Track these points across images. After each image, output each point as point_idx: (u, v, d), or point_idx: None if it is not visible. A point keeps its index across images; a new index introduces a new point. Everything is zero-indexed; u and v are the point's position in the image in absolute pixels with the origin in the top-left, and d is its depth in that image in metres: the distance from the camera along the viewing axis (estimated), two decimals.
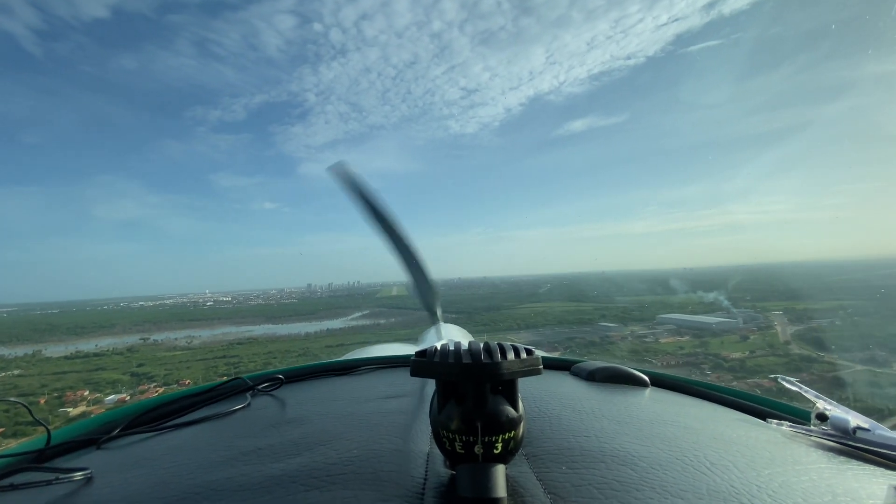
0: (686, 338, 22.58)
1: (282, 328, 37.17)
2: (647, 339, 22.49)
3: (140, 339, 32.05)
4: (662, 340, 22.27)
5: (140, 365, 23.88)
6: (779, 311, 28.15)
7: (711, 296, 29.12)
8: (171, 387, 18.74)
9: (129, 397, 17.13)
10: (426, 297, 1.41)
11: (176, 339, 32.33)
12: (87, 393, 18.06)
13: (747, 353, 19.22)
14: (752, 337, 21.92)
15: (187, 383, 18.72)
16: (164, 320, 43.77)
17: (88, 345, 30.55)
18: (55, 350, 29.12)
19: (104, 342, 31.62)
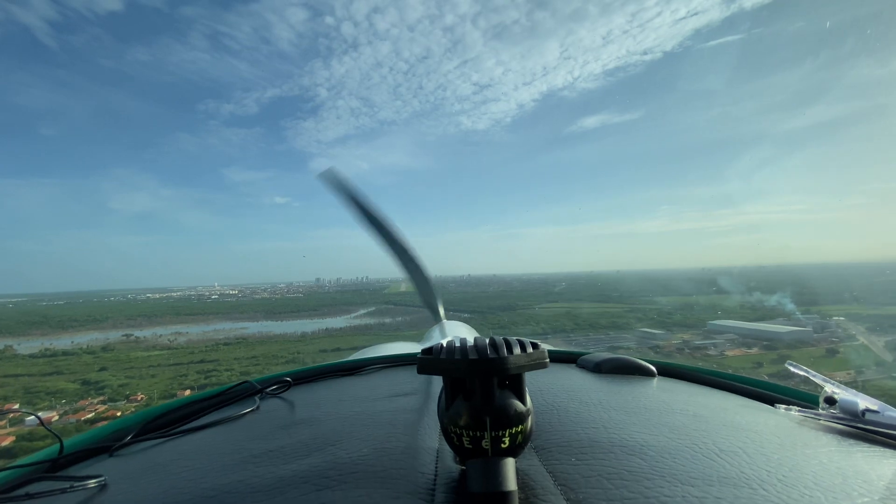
0: (755, 350, 18.48)
1: (279, 326, 34.20)
2: (709, 352, 18.39)
3: (123, 336, 29.30)
4: (728, 353, 18.21)
5: (101, 370, 20.85)
6: (838, 316, 24.37)
7: (774, 298, 24.76)
8: (118, 403, 15.60)
9: (57, 416, 14.01)
10: (426, 295, 1.55)
11: (161, 336, 29.49)
12: (17, 406, 14.96)
13: (853, 372, 15.06)
14: (840, 350, 17.72)
15: (140, 398, 15.50)
16: (161, 314, 41.36)
17: (65, 341, 27.89)
18: (28, 346, 26.55)
19: (85, 338, 29.02)
